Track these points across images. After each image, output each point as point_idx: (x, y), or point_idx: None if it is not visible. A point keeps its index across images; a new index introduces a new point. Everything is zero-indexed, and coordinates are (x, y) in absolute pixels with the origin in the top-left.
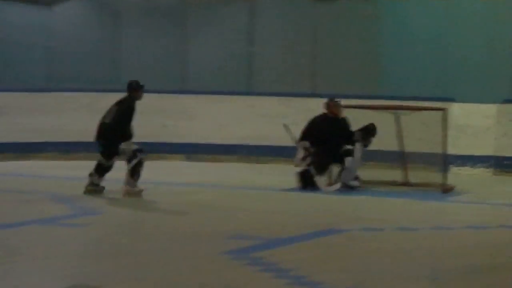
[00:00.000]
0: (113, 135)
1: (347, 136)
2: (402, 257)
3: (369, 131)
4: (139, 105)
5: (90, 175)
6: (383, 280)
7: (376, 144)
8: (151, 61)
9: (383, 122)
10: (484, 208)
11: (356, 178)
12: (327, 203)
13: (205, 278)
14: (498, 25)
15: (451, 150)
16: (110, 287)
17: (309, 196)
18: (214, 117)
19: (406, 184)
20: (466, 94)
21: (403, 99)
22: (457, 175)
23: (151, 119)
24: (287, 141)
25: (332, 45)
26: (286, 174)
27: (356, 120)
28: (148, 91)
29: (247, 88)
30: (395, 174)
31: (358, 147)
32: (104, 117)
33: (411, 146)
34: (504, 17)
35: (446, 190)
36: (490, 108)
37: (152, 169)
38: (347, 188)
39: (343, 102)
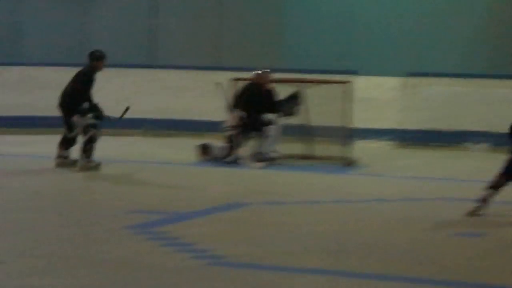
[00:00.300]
0: (69, 102)
1: (275, 105)
2: (303, 230)
3: (293, 103)
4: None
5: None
6: (285, 253)
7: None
8: (52, 33)
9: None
10: (386, 181)
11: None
12: (229, 177)
13: (105, 253)
14: (400, 4)
15: (355, 124)
16: (8, 263)
17: (211, 170)
18: (117, 91)
19: (310, 157)
20: (370, 67)
21: (308, 72)
22: (361, 148)
23: (52, 93)
24: (192, 115)
25: (236, 18)
26: (191, 148)
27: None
28: (48, 64)
29: (151, 61)
30: (300, 148)
31: (280, 117)
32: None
33: (316, 119)
34: None
35: (348, 163)
36: (394, 81)
37: (51, 144)
38: (268, 161)
39: (246, 75)
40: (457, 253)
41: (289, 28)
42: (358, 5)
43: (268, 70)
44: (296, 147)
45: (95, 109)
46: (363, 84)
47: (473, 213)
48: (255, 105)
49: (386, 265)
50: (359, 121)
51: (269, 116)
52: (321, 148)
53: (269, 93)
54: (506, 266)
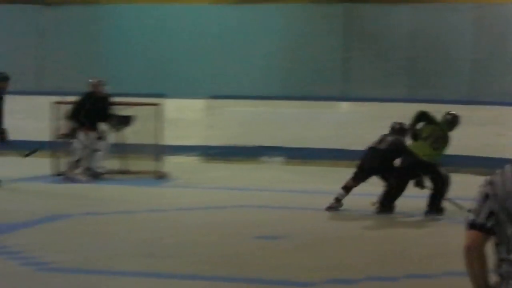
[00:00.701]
0: None
1: (108, 114)
2: (121, 237)
3: (125, 120)
4: None
5: None
6: (103, 258)
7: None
8: None
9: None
10: (194, 192)
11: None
12: (50, 191)
13: None
14: (203, 29)
15: (166, 141)
16: None
17: (39, 184)
18: None
19: (126, 172)
20: (177, 90)
21: (123, 95)
22: (171, 163)
23: None
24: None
25: (58, 46)
26: (13, 165)
27: None
28: None
29: None
30: (116, 164)
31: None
32: None
33: (131, 138)
34: (208, 21)
35: (160, 176)
36: (199, 103)
37: None
38: (93, 175)
39: (69, 99)
40: (256, 254)
41: (105, 55)
42: (165, 36)
43: (102, 79)
44: (114, 163)
45: None
46: (172, 106)
47: (330, 209)
48: (94, 113)
49: (194, 266)
50: (170, 139)
51: (102, 128)
52: (136, 164)
53: (105, 100)
54: (301, 264)
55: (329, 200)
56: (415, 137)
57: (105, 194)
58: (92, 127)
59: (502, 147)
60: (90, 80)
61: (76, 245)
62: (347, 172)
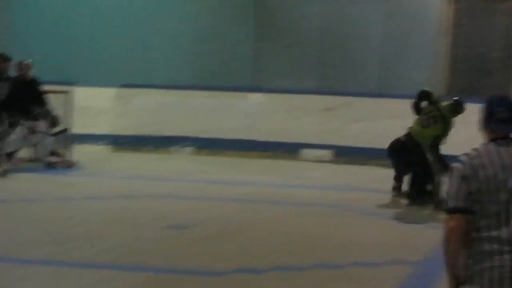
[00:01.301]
0: None
1: (41, 94)
2: (29, 225)
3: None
4: None
5: None
6: (10, 247)
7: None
8: None
9: None
10: (103, 181)
11: (54, 153)
12: None
13: None
14: (114, 18)
15: (75, 129)
16: None
17: None
18: None
19: (34, 160)
20: (88, 78)
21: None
22: (80, 152)
23: None
24: None
25: None
26: None
27: None
28: None
29: None
30: (25, 152)
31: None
32: None
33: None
34: (119, 10)
35: (69, 165)
36: (109, 92)
37: None
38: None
39: None
40: (164, 243)
41: (16, 42)
42: (77, 23)
43: (29, 60)
44: (23, 152)
45: None
46: (82, 94)
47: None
48: (23, 98)
49: (102, 255)
50: (79, 127)
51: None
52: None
53: (34, 82)
54: (209, 254)
55: (239, 190)
56: (418, 113)
57: (13, 183)
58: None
59: None
60: (15, 63)
61: None
62: (257, 163)
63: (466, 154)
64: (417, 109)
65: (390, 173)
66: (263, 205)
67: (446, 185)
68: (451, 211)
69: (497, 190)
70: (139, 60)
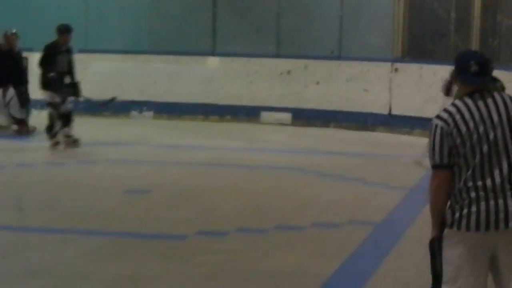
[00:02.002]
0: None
1: (23, 71)
2: None
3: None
4: None
5: None
6: None
7: None
8: None
9: None
10: (62, 147)
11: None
12: None
13: None
14: None
15: (33, 95)
16: None
17: None
18: None
19: None
20: (44, 43)
21: None
22: (38, 117)
23: None
24: None
25: None
26: None
27: None
28: None
29: None
30: None
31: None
32: None
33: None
34: None
35: (28, 131)
36: None
37: None
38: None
39: None
40: (127, 208)
41: None
42: None
43: (13, 32)
44: None
45: None
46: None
47: None
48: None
49: (63, 220)
50: (36, 93)
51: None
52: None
53: (18, 56)
54: (172, 217)
55: (200, 155)
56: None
57: None
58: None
59: (367, 103)
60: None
61: None
62: (217, 127)
63: (445, 111)
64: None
65: (348, 135)
66: (224, 168)
67: (428, 142)
68: (437, 167)
69: (479, 143)
70: (96, 25)
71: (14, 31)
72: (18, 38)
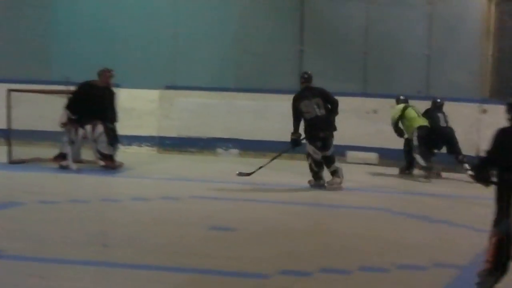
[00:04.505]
0: None
1: (114, 108)
2: (74, 226)
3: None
4: None
5: None
6: (58, 247)
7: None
8: None
9: (54, 105)
10: (147, 182)
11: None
12: (4, 178)
13: None
14: (158, 19)
15: (120, 131)
16: None
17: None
18: None
19: (80, 161)
20: (132, 80)
21: (72, 84)
22: (125, 153)
23: None
24: None
25: (3, 33)
26: None
27: (33, 102)
28: None
29: None
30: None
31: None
32: None
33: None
34: (163, 11)
35: (115, 167)
36: (153, 93)
37: None
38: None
39: (20, 86)
40: (209, 245)
41: (56, 42)
42: (118, 23)
43: (110, 69)
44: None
45: None
46: (125, 96)
47: None
48: (92, 105)
49: (146, 256)
50: (123, 129)
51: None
52: (90, 153)
53: (111, 93)
54: (254, 255)
55: (284, 192)
56: None
57: (59, 183)
58: (86, 121)
59: None
60: (100, 70)
61: (29, 233)
62: (302, 165)
63: None
64: None
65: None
66: (308, 207)
67: None
68: None
69: None
70: (183, 61)
71: (110, 69)
72: (113, 75)
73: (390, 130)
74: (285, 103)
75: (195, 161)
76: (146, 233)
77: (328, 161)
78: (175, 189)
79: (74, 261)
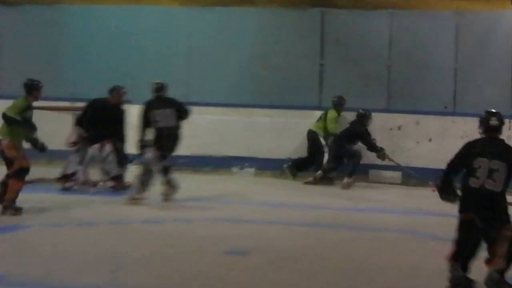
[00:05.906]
0: None
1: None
2: (84, 249)
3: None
4: None
5: None
6: (65, 271)
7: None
8: None
9: (65, 121)
10: (157, 204)
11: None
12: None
13: None
14: (172, 34)
15: (130, 150)
16: None
17: None
18: None
19: (87, 182)
20: (145, 97)
21: (80, 100)
22: (135, 173)
23: None
24: None
25: (14, 49)
26: None
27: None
28: None
29: None
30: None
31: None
32: None
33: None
34: (177, 26)
35: (124, 187)
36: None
37: None
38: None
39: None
40: (225, 269)
41: (65, 59)
42: (132, 38)
43: (122, 87)
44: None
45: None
46: (138, 113)
47: None
48: (102, 123)
49: (160, 280)
50: (135, 147)
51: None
52: (96, 174)
53: (121, 112)
54: (273, 280)
55: (303, 214)
56: None
57: (66, 205)
58: (95, 140)
59: None
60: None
61: (34, 258)
62: (321, 185)
63: None
64: None
65: None
66: (328, 229)
67: None
68: None
69: None
70: (199, 77)
71: (122, 86)
72: (126, 93)
73: (415, 147)
74: (304, 120)
75: (209, 181)
76: (157, 257)
77: (166, 171)
78: (188, 211)
79: (84, 286)
